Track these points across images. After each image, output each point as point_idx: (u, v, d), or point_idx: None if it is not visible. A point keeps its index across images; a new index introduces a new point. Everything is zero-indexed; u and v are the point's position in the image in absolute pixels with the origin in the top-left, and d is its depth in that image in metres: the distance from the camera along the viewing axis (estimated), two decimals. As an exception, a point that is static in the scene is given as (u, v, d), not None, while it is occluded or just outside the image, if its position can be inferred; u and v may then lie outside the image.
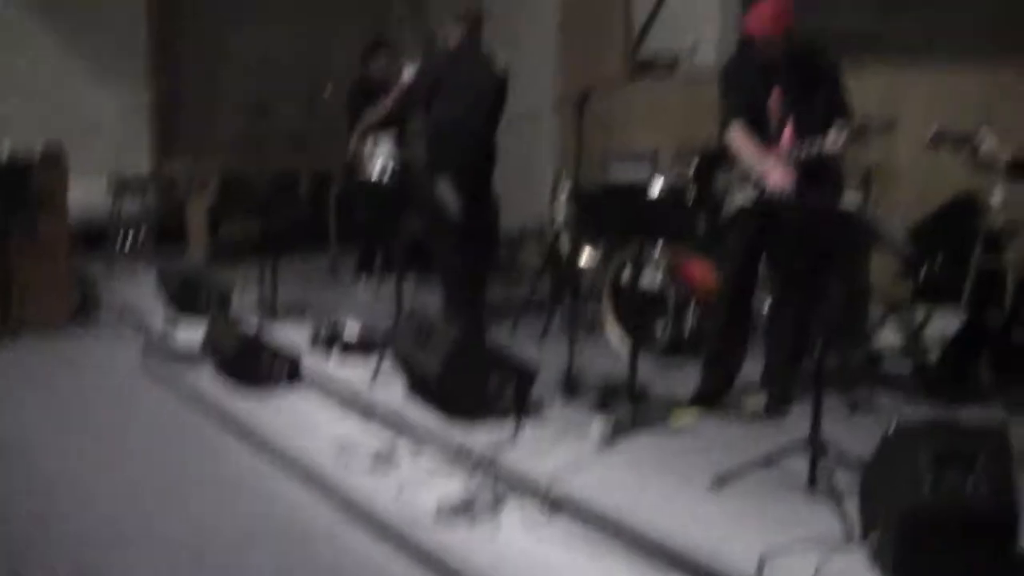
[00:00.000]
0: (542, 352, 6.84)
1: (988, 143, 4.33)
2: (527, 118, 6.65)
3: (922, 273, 6.96)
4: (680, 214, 5.22)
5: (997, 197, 6.48)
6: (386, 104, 8.79)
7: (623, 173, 7.06)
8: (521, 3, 10.66)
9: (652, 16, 10.22)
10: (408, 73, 8.08)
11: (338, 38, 11.69)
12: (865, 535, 4.00)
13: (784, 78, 5.56)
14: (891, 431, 3.92)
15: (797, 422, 5.20)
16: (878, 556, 3.86)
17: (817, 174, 5.41)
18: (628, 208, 5.34)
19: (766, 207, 5.47)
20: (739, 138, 5.60)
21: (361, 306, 8.12)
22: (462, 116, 6.87)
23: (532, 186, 8.17)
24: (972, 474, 3.74)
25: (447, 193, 6.35)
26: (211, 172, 11.05)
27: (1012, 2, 7.56)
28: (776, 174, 5.38)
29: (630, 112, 9.58)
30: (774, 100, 5.58)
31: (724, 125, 5.67)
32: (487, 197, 7.21)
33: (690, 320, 6.69)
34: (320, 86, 8.90)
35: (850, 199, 5.47)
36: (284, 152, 11.66)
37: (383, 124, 8.83)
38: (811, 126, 5.44)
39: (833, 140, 5.23)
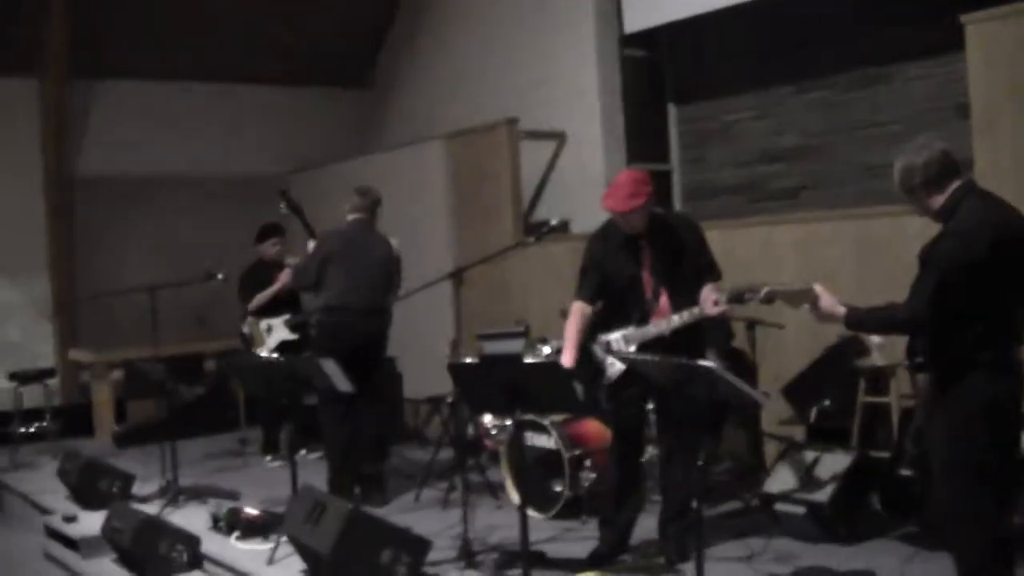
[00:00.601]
0: (444, 519, 6.82)
1: (824, 299, 4.50)
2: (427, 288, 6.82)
3: (812, 415, 7.13)
4: (558, 382, 5.28)
5: (876, 338, 6.69)
6: (278, 285, 9.01)
7: (496, 348, 7.26)
8: (416, 183, 10.94)
9: (540, 186, 10.60)
10: (294, 258, 8.75)
11: (234, 221, 11.83)
12: None
13: (649, 248, 5.76)
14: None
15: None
16: None
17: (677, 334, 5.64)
18: (502, 379, 5.39)
19: (631, 371, 5.57)
20: (571, 318, 5.90)
21: (265, 486, 8.06)
22: (367, 290, 7.50)
23: (436, 356, 8.27)
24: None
25: (331, 366, 6.41)
26: (115, 358, 11.03)
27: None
28: (568, 358, 5.76)
29: (526, 277, 9.79)
30: (646, 269, 5.76)
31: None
32: (381, 366, 7.44)
33: (585, 480, 6.73)
34: (215, 269, 9.03)
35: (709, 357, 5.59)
36: (189, 334, 11.73)
37: (275, 305, 9.17)
38: (685, 290, 5.68)
39: (712, 305, 5.44)
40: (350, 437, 7.57)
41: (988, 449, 4.22)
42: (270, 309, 9.30)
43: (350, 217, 7.85)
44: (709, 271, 5.80)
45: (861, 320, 4.46)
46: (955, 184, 4.32)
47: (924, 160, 4.31)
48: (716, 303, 5.45)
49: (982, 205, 4.29)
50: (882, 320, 4.45)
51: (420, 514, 7.09)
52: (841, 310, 4.43)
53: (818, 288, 4.51)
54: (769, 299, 4.90)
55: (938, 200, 4.33)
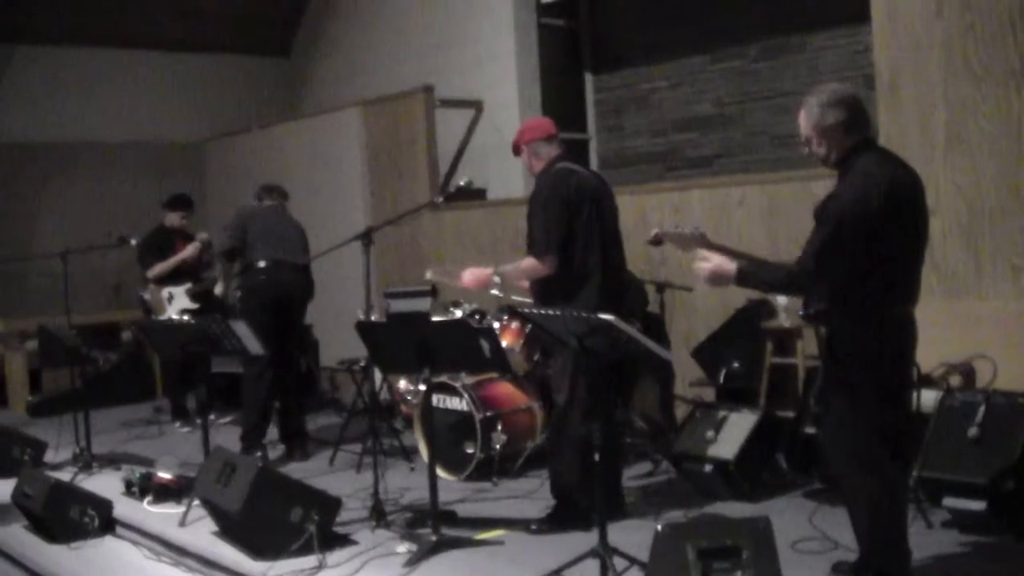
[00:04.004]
0: (358, 482, 6.86)
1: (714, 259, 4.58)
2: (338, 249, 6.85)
3: (721, 376, 7.24)
4: (465, 340, 5.32)
5: (783, 299, 6.82)
6: (181, 256, 9.25)
7: (403, 306, 7.34)
8: (333, 150, 10.93)
9: (458, 154, 10.64)
10: (204, 234, 9.20)
11: (150, 189, 11.72)
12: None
13: None
14: (660, 530, 4.06)
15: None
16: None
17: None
18: (410, 337, 5.44)
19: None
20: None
21: (178, 452, 8.04)
22: (291, 249, 7.88)
23: (350, 323, 8.33)
24: (740, 565, 3.90)
25: (242, 328, 6.42)
26: (28, 327, 10.88)
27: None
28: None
29: (440, 243, 9.85)
30: None
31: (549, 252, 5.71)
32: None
33: (497, 442, 6.79)
34: (130, 235, 9.01)
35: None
36: (105, 304, 11.62)
37: (175, 275, 9.31)
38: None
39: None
40: (270, 394, 7.75)
41: (880, 404, 4.34)
42: (171, 277, 9.35)
43: (265, 203, 8.20)
44: (533, 244, 5.77)
45: (750, 277, 4.48)
46: (855, 139, 4.40)
47: (847, 103, 4.36)
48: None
49: (877, 161, 4.37)
50: (771, 276, 4.52)
51: (334, 477, 7.13)
52: (732, 268, 4.45)
53: (705, 252, 4.55)
54: (657, 241, 4.97)
55: (843, 145, 4.38)
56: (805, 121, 4.45)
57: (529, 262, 5.68)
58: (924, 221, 4.46)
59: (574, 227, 5.62)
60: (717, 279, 4.49)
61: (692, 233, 4.70)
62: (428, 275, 6.33)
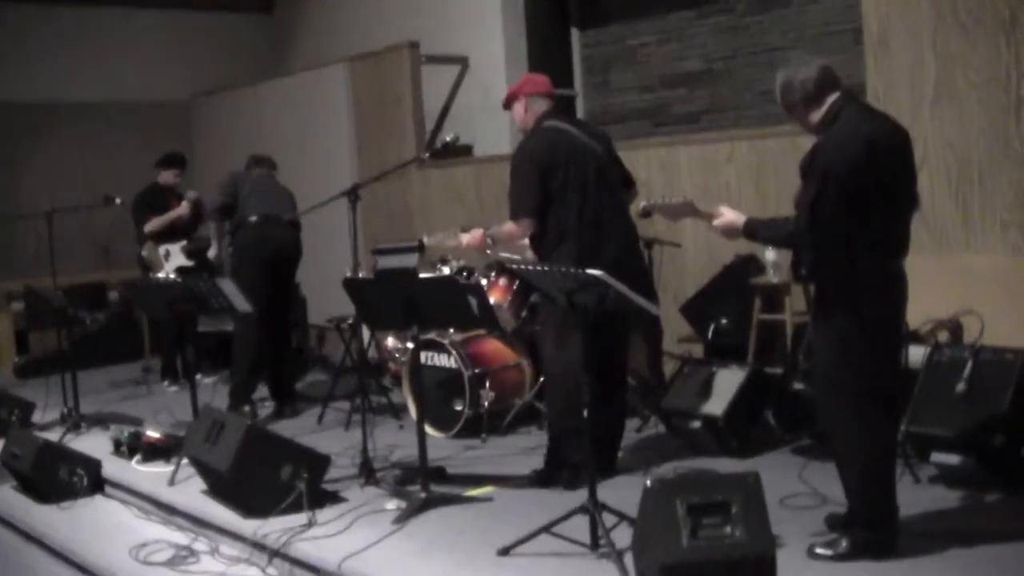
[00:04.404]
0: (346, 440, 6.85)
1: (728, 213, 4.60)
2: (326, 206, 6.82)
3: (709, 332, 7.24)
4: (453, 297, 5.31)
5: (771, 255, 6.80)
6: (176, 213, 9.26)
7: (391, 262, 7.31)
8: (319, 107, 10.86)
9: (444, 111, 10.57)
10: (192, 192, 9.29)
11: (135, 148, 11.65)
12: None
13: None
14: (649, 486, 4.06)
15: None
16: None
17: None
18: (398, 294, 5.42)
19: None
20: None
21: (167, 410, 8.04)
22: (282, 206, 7.94)
23: (338, 281, 8.34)
24: (729, 521, 3.91)
25: (230, 286, 6.40)
26: (15, 288, 10.84)
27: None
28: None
29: (427, 201, 9.82)
30: None
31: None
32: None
33: (485, 399, 6.80)
34: (115, 195, 8.97)
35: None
36: (93, 264, 11.56)
37: (171, 232, 9.30)
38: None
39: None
40: (259, 351, 7.77)
41: (871, 360, 4.34)
42: (167, 235, 9.30)
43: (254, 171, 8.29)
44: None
45: (758, 231, 4.54)
46: (833, 97, 4.40)
47: (802, 76, 4.41)
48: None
49: (859, 115, 4.37)
50: (775, 231, 4.53)
51: (323, 435, 7.12)
52: (741, 220, 4.52)
53: (721, 208, 4.60)
54: (646, 213, 4.98)
55: (817, 114, 4.42)
56: (779, 103, 4.56)
57: (509, 225, 5.70)
58: (911, 174, 4.46)
59: (549, 189, 5.61)
60: (729, 232, 4.57)
61: (681, 203, 4.73)
62: (426, 240, 6.31)
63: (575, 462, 5.56)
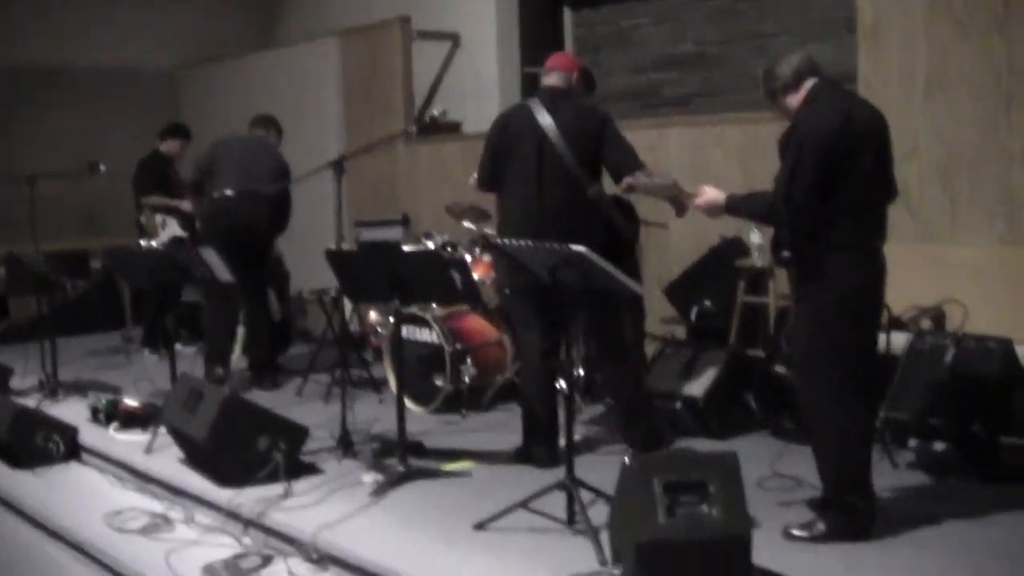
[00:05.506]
0: (326, 412, 6.83)
1: (709, 192, 4.66)
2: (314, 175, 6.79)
3: (693, 314, 7.22)
4: (436, 271, 5.29)
5: (756, 238, 6.80)
6: (180, 204, 9.31)
7: (375, 235, 7.29)
8: (309, 81, 10.82)
9: (434, 87, 10.52)
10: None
11: (122, 116, 11.59)
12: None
13: None
14: (627, 463, 4.05)
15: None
16: (625, 583, 3.98)
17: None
18: (381, 267, 5.40)
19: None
20: None
21: (146, 379, 8.00)
22: (245, 178, 7.77)
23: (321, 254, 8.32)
24: (706, 500, 3.90)
25: (211, 255, 6.37)
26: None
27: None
28: None
29: (414, 176, 9.79)
30: None
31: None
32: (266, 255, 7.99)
33: (466, 375, 6.78)
34: (95, 162, 8.94)
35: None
36: (77, 230, 11.49)
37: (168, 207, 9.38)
38: None
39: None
40: (226, 324, 7.81)
41: (848, 341, 4.36)
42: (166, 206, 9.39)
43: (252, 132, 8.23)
44: None
45: (739, 205, 4.59)
46: (811, 82, 4.50)
47: (782, 65, 4.53)
48: None
49: (836, 96, 4.46)
50: (755, 204, 4.56)
51: (302, 407, 7.08)
52: (722, 197, 4.57)
53: (704, 187, 4.63)
54: (630, 189, 4.98)
55: (795, 98, 4.51)
56: (762, 95, 4.71)
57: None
58: (887, 159, 4.49)
59: (499, 168, 5.76)
60: (711, 210, 4.64)
61: (664, 181, 4.76)
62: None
63: (655, 424, 5.82)
